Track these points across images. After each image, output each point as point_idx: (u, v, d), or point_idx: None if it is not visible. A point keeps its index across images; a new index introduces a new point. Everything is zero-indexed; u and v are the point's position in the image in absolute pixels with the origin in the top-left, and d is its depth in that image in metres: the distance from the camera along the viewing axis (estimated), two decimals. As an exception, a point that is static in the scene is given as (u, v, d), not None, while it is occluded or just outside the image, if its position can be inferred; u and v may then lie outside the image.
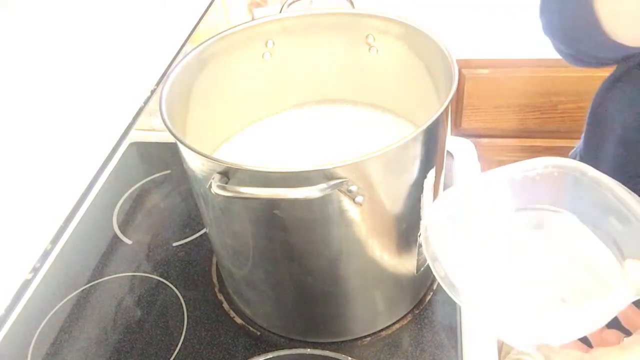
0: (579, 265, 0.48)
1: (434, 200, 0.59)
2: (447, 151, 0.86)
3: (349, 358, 0.52)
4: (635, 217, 0.45)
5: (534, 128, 1.34)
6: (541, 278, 0.48)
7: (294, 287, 0.61)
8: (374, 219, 0.54)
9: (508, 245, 0.52)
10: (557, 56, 0.62)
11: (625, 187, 0.46)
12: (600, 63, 0.60)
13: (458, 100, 1.31)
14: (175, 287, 0.73)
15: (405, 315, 0.67)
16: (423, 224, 0.50)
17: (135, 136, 1.00)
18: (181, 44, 0.84)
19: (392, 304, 0.65)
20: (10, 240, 0.52)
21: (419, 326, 0.66)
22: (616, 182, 0.47)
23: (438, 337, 0.65)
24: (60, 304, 0.73)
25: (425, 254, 0.48)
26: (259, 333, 0.67)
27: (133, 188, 0.90)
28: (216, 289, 0.73)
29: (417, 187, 0.54)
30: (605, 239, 0.48)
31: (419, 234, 0.59)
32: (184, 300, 0.72)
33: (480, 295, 0.44)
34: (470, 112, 1.33)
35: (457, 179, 0.85)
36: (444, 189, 0.58)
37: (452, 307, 0.68)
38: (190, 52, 0.63)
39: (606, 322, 0.43)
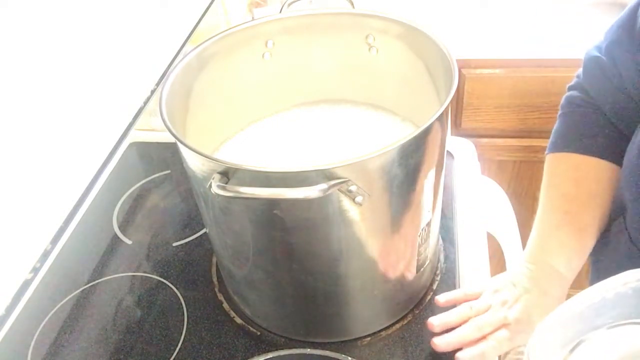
0: None
1: (434, 200, 0.59)
2: (447, 151, 0.86)
3: (349, 358, 0.52)
4: None
5: (534, 128, 1.34)
6: None
7: (294, 287, 0.60)
8: (374, 219, 0.54)
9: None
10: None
11: None
12: None
13: (458, 100, 1.31)
14: (175, 287, 0.73)
15: (405, 315, 0.67)
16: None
17: (135, 136, 1.00)
18: (181, 44, 0.84)
19: (392, 304, 0.65)
20: (10, 240, 0.52)
21: (419, 326, 0.66)
22: None
23: (438, 337, 0.65)
24: (60, 304, 0.73)
25: None
26: (259, 333, 0.67)
27: (133, 188, 0.90)
28: (216, 289, 0.73)
29: (417, 187, 0.54)
30: None
31: (418, 233, 0.59)
32: (184, 300, 0.72)
33: None
34: (470, 112, 1.33)
35: (457, 179, 0.85)
36: (444, 189, 0.58)
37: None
38: (190, 52, 0.63)
39: None
